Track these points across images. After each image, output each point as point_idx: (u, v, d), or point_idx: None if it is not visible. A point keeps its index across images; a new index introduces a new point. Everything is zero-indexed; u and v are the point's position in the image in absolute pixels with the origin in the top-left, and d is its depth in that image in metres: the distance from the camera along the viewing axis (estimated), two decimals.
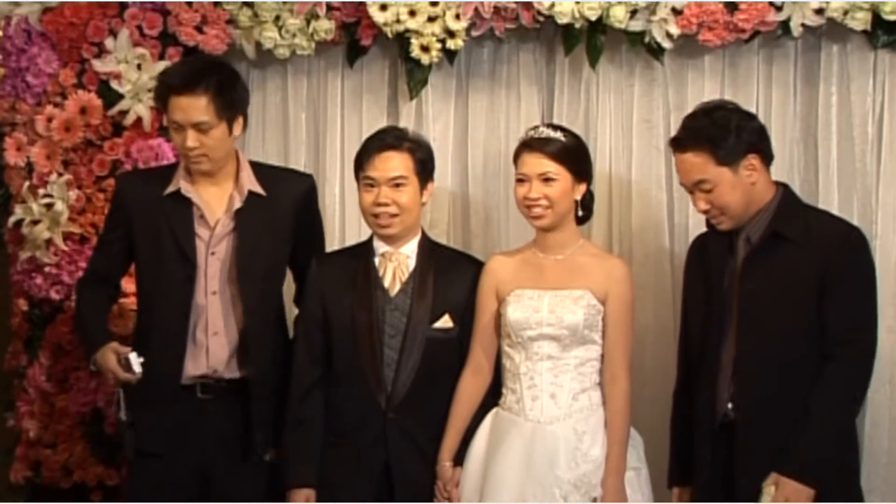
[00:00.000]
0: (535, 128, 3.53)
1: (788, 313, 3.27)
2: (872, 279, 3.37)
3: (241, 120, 3.61)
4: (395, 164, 3.50)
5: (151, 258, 3.59)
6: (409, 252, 3.56)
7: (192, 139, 3.50)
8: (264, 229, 3.59)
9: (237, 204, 3.59)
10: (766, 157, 3.37)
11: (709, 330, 3.38)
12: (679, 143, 3.36)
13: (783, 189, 3.38)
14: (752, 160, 3.31)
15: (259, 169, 3.68)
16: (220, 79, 3.54)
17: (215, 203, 3.60)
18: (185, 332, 3.56)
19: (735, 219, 3.32)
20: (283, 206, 3.63)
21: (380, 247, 3.56)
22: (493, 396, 3.53)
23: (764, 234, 3.31)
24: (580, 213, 3.51)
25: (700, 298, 3.43)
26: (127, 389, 3.54)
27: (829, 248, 3.26)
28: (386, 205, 3.48)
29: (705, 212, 3.33)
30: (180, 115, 3.50)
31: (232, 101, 3.55)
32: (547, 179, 3.44)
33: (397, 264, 3.54)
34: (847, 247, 3.31)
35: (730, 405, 3.33)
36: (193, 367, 3.57)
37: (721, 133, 3.29)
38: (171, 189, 3.60)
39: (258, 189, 3.61)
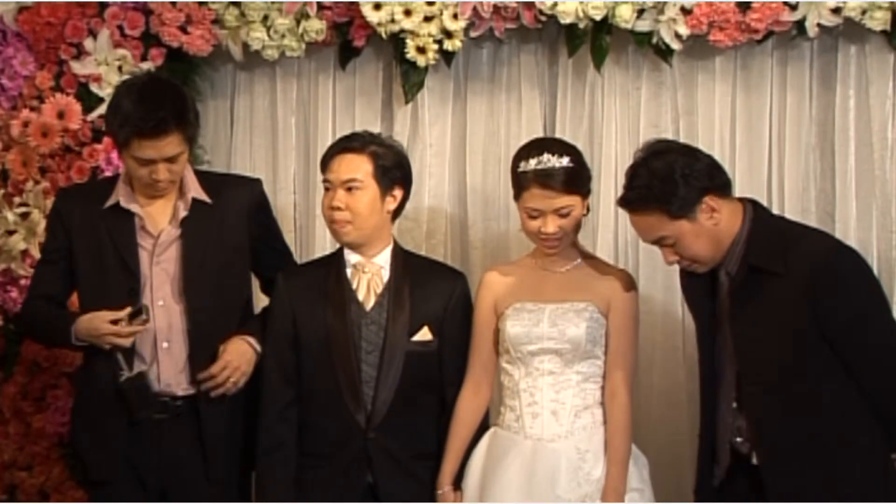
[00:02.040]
0: (537, 156, 3.36)
1: (789, 350, 3.12)
2: (875, 287, 3.19)
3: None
4: (350, 166, 3.42)
5: (93, 274, 3.51)
6: (382, 262, 3.47)
7: (163, 172, 3.43)
8: (212, 237, 3.52)
9: (182, 213, 3.51)
10: (724, 190, 3.18)
11: (705, 372, 3.28)
12: (627, 204, 3.22)
13: (751, 212, 3.20)
14: (709, 202, 3.12)
15: (203, 177, 3.62)
16: (180, 106, 3.43)
17: (158, 214, 3.53)
18: (131, 347, 3.46)
19: (709, 262, 3.19)
20: (232, 213, 3.56)
21: (351, 257, 3.48)
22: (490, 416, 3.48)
23: (740, 270, 3.16)
24: None
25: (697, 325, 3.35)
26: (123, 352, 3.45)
27: (815, 277, 3.07)
28: (339, 209, 3.41)
29: (678, 262, 3.22)
30: (153, 153, 3.40)
31: (192, 123, 3.47)
32: (563, 214, 3.36)
33: (371, 276, 3.46)
34: (837, 271, 3.10)
35: (739, 439, 3.21)
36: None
37: (667, 188, 3.10)
38: (111, 202, 3.53)
39: (203, 196, 3.54)
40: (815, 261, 3.09)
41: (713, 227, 3.14)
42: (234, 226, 3.54)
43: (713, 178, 3.16)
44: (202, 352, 3.47)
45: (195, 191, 3.52)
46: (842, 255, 3.16)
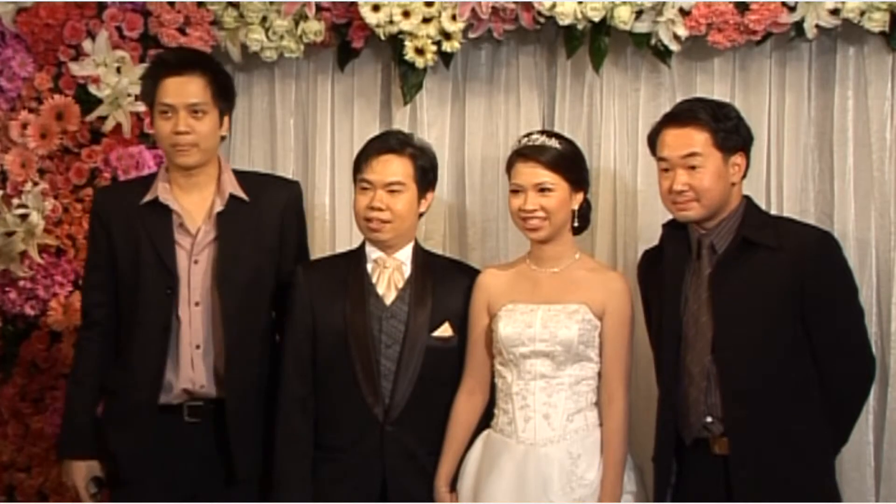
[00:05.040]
0: (529, 135, 3.47)
1: (768, 322, 3.23)
2: (852, 276, 3.37)
3: (228, 119, 3.55)
4: (393, 168, 3.43)
5: (129, 270, 3.49)
6: (403, 258, 3.48)
7: (183, 123, 3.42)
8: (247, 236, 3.51)
9: (218, 207, 3.50)
10: (747, 167, 3.35)
11: (671, 342, 3.32)
12: (677, 118, 3.33)
13: (747, 199, 3.36)
14: (740, 160, 3.31)
15: (242, 176, 3.61)
16: (217, 66, 3.53)
17: (196, 210, 3.51)
18: (166, 347, 3.46)
19: (706, 209, 3.27)
20: (268, 213, 3.55)
21: (372, 253, 3.49)
22: (488, 417, 3.46)
23: (733, 243, 3.28)
24: (576, 223, 3.44)
25: (660, 312, 3.38)
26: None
27: (806, 255, 3.23)
28: (380, 209, 3.41)
29: (679, 193, 3.27)
30: (174, 97, 3.43)
31: (227, 91, 3.51)
32: (543, 190, 3.37)
33: (392, 271, 3.47)
34: (826, 252, 3.28)
35: (709, 419, 3.26)
36: (178, 383, 3.47)
37: (725, 118, 3.30)
38: (148, 198, 3.51)
39: (241, 193, 3.53)
40: (810, 239, 3.28)
41: (730, 183, 3.28)
42: (269, 226, 3.53)
43: (750, 147, 3.34)
44: (234, 353, 3.46)
45: (233, 187, 3.51)
46: (833, 239, 3.36)
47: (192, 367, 3.46)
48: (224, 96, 3.49)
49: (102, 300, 3.53)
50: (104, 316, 3.53)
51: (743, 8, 3.68)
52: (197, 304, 3.47)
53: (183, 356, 3.45)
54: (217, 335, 3.46)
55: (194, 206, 3.50)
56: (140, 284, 3.47)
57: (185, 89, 3.42)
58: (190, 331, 3.46)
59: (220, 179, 3.51)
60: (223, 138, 3.56)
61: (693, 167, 3.25)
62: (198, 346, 3.46)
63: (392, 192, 3.41)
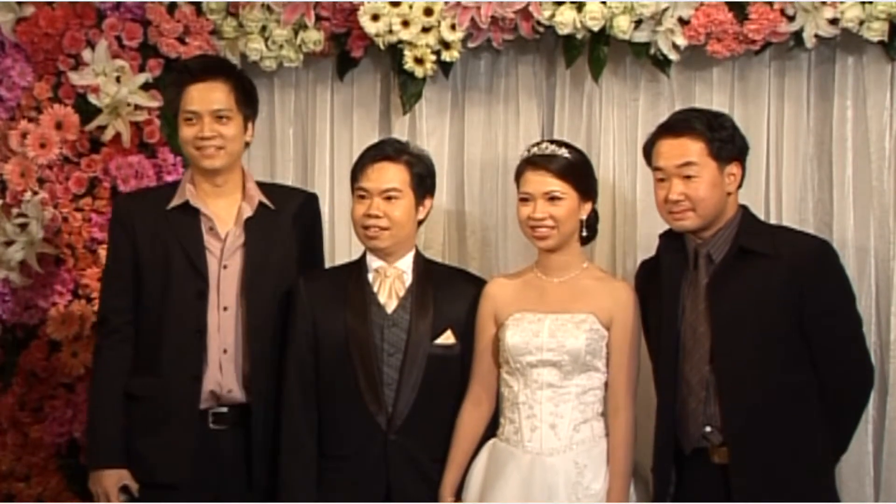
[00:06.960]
0: (538, 144, 3.47)
1: (765, 331, 3.23)
2: (849, 283, 3.38)
3: (251, 127, 3.58)
4: (389, 175, 3.43)
5: (159, 275, 3.49)
6: (404, 267, 3.49)
7: (208, 128, 3.46)
8: (274, 243, 3.53)
9: (247, 213, 3.52)
10: (742, 177, 3.36)
11: (669, 352, 3.32)
12: (672, 128, 3.33)
13: (743, 209, 3.37)
14: (735, 169, 3.31)
15: (265, 186, 3.64)
16: (240, 73, 3.59)
17: (224, 215, 3.53)
18: (201, 351, 3.47)
19: (702, 219, 3.28)
20: (294, 222, 3.59)
21: (373, 262, 3.49)
22: (493, 427, 3.46)
23: (730, 252, 3.29)
24: (584, 233, 3.44)
25: (658, 322, 3.38)
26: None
27: (803, 263, 3.24)
28: (377, 217, 3.42)
29: (675, 203, 3.28)
30: (198, 104, 3.47)
31: (251, 98, 3.56)
32: (553, 198, 3.37)
33: (393, 279, 3.47)
34: (824, 261, 3.29)
35: (708, 428, 3.27)
36: (207, 387, 3.48)
37: (720, 128, 3.30)
38: (176, 202, 3.52)
39: (267, 202, 3.55)
40: (807, 248, 3.30)
41: (726, 193, 3.28)
42: (295, 236, 3.56)
43: (745, 157, 3.35)
44: (260, 360, 3.47)
45: (260, 196, 3.53)
46: (830, 247, 3.36)
47: (221, 371, 3.48)
48: (248, 103, 3.53)
49: (122, 306, 3.53)
50: (124, 322, 3.53)
51: (742, 17, 3.68)
52: (225, 308, 3.48)
53: (211, 360, 3.47)
54: (243, 340, 3.48)
55: (222, 210, 3.52)
56: (169, 289, 3.47)
57: (210, 96, 3.46)
58: (218, 335, 3.47)
59: (246, 187, 3.54)
60: (247, 145, 3.59)
61: (688, 177, 3.25)
62: (225, 351, 3.48)
63: (389, 199, 3.41)
